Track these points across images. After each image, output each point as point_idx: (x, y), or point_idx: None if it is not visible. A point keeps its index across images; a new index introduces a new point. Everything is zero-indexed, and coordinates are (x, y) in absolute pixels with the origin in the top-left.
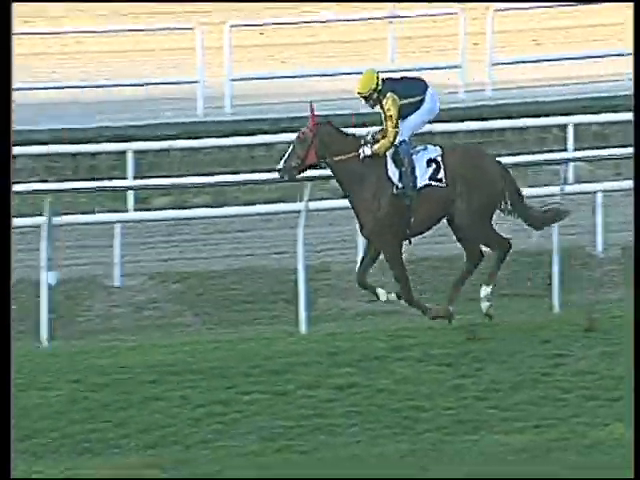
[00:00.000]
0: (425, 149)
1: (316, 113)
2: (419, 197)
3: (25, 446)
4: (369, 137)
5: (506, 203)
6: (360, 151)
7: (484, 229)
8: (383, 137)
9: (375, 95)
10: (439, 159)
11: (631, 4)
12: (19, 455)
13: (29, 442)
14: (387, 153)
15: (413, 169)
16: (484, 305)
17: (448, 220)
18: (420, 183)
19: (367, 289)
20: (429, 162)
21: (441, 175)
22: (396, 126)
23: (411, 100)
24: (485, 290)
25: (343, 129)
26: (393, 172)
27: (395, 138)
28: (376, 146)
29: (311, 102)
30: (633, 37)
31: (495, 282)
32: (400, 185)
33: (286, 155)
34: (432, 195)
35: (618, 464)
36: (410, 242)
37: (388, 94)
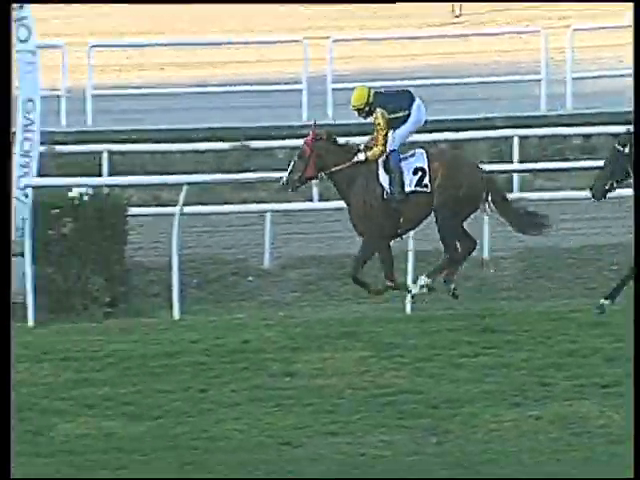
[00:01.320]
0: (413, 156)
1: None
2: (407, 201)
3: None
4: (362, 146)
5: (489, 206)
6: (355, 158)
7: (451, 226)
8: (374, 145)
9: (367, 108)
10: (425, 166)
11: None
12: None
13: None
14: (379, 161)
15: (402, 176)
16: (413, 285)
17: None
18: (408, 189)
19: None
20: (416, 170)
21: (426, 181)
22: (385, 136)
23: (398, 115)
24: (423, 280)
25: (339, 141)
26: (384, 179)
27: (384, 147)
28: (369, 153)
29: (315, 120)
30: (633, 37)
31: (435, 278)
32: (390, 191)
33: (288, 169)
34: (418, 199)
35: None
36: (402, 238)
37: (378, 109)
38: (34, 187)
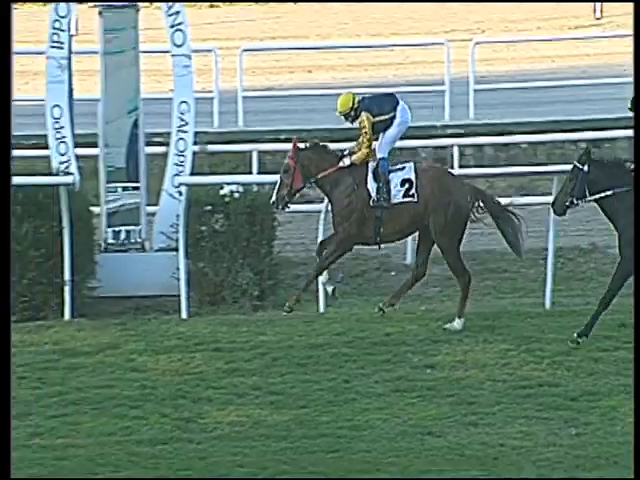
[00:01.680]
0: (402, 169)
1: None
2: (391, 212)
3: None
4: (347, 152)
5: (479, 213)
6: (341, 163)
7: (455, 249)
8: (359, 149)
9: (353, 113)
10: (413, 178)
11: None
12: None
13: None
14: (369, 167)
15: (389, 185)
16: (455, 325)
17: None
18: (394, 200)
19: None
20: (403, 182)
21: (413, 191)
22: (369, 140)
23: (383, 117)
24: (453, 324)
25: (322, 148)
26: (372, 186)
27: (370, 149)
28: (354, 157)
29: (295, 137)
30: (633, 37)
31: (461, 314)
32: (376, 198)
33: (276, 187)
34: (403, 211)
35: None
36: (379, 247)
37: (363, 113)
38: (188, 185)
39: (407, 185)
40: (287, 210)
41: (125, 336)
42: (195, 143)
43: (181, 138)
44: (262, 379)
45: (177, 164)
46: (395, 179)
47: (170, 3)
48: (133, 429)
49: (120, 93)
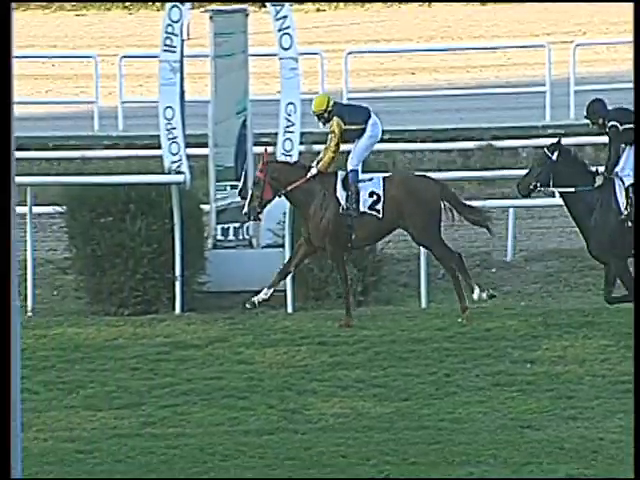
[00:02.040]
0: (370, 180)
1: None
2: (360, 220)
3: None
4: (314, 162)
5: (451, 212)
6: (309, 174)
7: (437, 242)
8: (325, 154)
9: (326, 115)
10: (380, 192)
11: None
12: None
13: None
14: (338, 177)
15: (358, 195)
16: (484, 295)
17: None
18: (361, 208)
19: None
20: (371, 193)
21: (379, 207)
22: (337, 145)
23: (353, 127)
24: (477, 293)
25: (290, 160)
26: (341, 194)
27: (335, 154)
28: (320, 164)
29: (266, 148)
30: (633, 37)
31: (474, 284)
32: (345, 206)
33: (248, 199)
34: (370, 221)
35: None
36: (350, 252)
37: (335, 118)
38: None
39: (375, 197)
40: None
41: (233, 330)
42: (301, 143)
43: (288, 138)
44: (365, 372)
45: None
46: (364, 189)
47: (278, 8)
48: (241, 420)
49: (229, 95)
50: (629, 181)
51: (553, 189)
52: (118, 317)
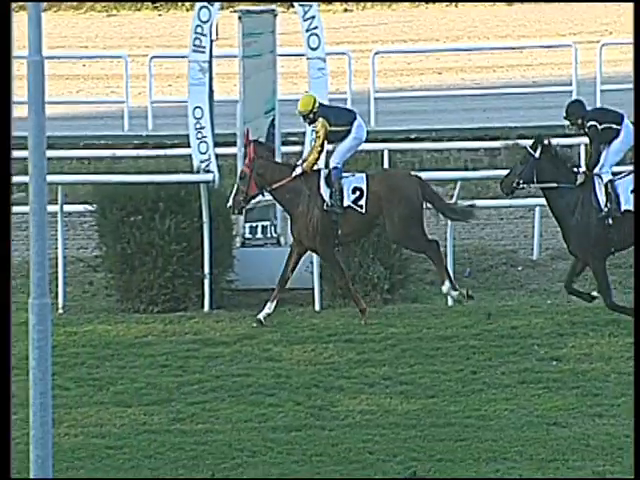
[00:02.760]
0: (353, 176)
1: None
2: (344, 215)
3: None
4: (300, 161)
5: (429, 208)
6: (294, 173)
7: (411, 238)
8: (310, 154)
9: (311, 116)
10: (363, 187)
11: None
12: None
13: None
14: (321, 175)
15: (341, 191)
16: (453, 294)
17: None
18: (345, 203)
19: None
20: (354, 189)
21: (362, 202)
22: (321, 145)
23: (338, 128)
24: (446, 286)
25: (277, 159)
26: (325, 191)
27: (319, 154)
28: (305, 163)
29: (252, 141)
30: (633, 37)
31: (447, 277)
32: (330, 203)
33: (233, 192)
34: (354, 216)
35: None
36: (339, 250)
37: (320, 119)
38: None
39: (358, 193)
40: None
41: (261, 327)
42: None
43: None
44: (392, 369)
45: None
46: (347, 185)
47: (306, 8)
48: (268, 416)
49: (258, 94)
50: (607, 177)
51: (537, 186)
52: (147, 314)
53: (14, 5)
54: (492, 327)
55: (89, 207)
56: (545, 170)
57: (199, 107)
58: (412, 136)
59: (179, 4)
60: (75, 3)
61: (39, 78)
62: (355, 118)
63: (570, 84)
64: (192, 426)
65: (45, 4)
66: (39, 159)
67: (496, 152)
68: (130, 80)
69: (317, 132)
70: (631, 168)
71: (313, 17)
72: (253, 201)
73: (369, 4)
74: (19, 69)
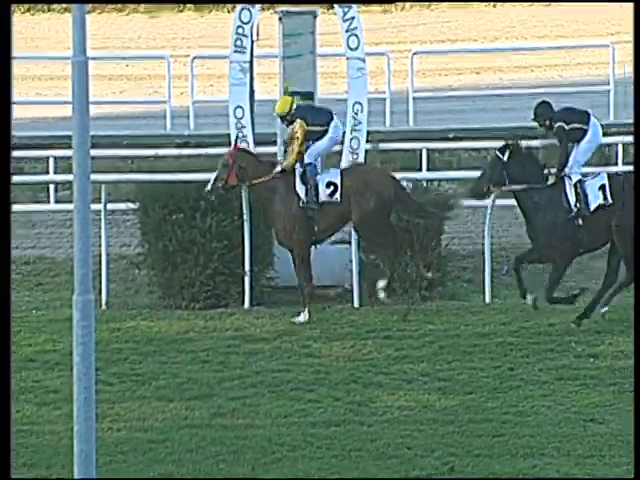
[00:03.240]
0: (327, 172)
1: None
2: (321, 211)
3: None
4: (281, 159)
5: (399, 205)
6: (274, 172)
7: (376, 233)
8: (290, 155)
9: (289, 117)
10: (337, 181)
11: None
12: None
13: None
14: (296, 172)
15: (316, 187)
16: (381, 295)
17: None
18: (321, 199)
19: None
20: (329, 184)
21: (337, 195)
22: (300, 145)
23: (316, 128)
24: (381, 283)
25: (259, 155)
26: (300, 188)
27: (299, 155)
28: (285, 163)
29: (237, 136)
30: (633, 37)
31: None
32: (305, 200)
33: (213, 178)
34: (330, 210)
35: None
36: (315, 247)
37: (298, 120)
38: None
39: (332, 187)
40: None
41: (301, 323)
42: (368, 141)
43: (355, 137)
44: (430, 366)
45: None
46: (321, 181)
47: (346, 9)
48: (308, 411)
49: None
50: (577, 177)
51: (507, 188)
52: (189, 311)
53: (59, 7)
54: (529, 324)
55: (132, 205)
56: (515, 172)
57: (240, 107)
58: (450, 135)
59: (220, 5)
60: (119, 5)
61: (83, 78)
62: (332, 118)
63: (607, 84)
64: (233, 421)
65: (89, 6)
66: (83, 158)
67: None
68: (172, 80)
69: (296, 133)
70: (599, 170)
71: (352, 18)
72: None
73: (408, 5)
74: (63, 70)
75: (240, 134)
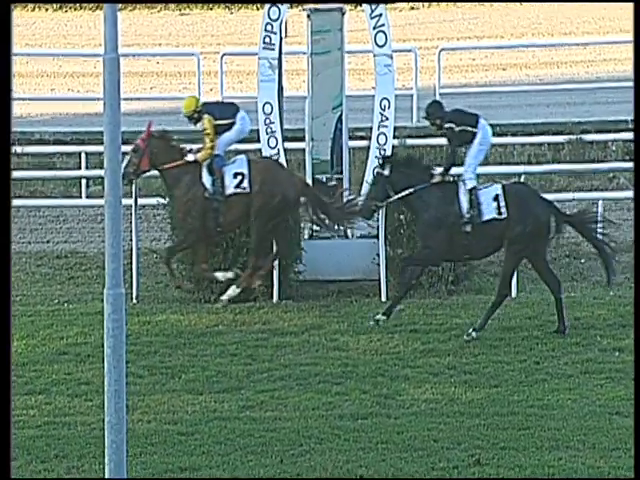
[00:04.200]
0: (234, 162)
1: (153, 128)
2: (227, 202)
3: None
4: (194, 149)
5: (305, 205)
6: (185, 159)
7: (263, 227)
8: (203, 149)
9: (196, 115)
10: (245, 171)
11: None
12: None
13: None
14: (203, 163)
15: (223, 179)
16: (229, 293)
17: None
18: (227, 192)
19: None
20: (236, 174)
21: (245, 184)
22: (212, 140)
23: (223, 122)
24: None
25: (173, 141)
26: (207, 179)
27: (212, 149)
28: (198, 155)
29: (150, 121)
30: (633, 37)
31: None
32: (211, 191)
33: (124, 162)
34: (238, 202)
35: None
36: (223, 234)
37: (205, 116)
38: None
39: (240, 177)
40: None
41: (328, 317)
42: (395, 137)
43: (382, 133)
44: (456, 359)
45: (378, 157)
46: (228, 172)
47: (373, 6)
48: (335, 404)
49: (326, 91)
50: (472, 184)
51: (395, 198)
52: (218, 304)
53: (92, 5)
54: (555, 318)
55: (162, 200)
56: (398, 182)
57: (269, 103)
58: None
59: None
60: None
61: (115, 75)
62: (238, 111)
63: (631, 80)
64: (261, 413)
65: (120, 4)
66: (114, 153)
67: (559, 147)
68: (202, 77)
69: (205, 129)
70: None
71: (380, 15)
72: None
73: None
74: (95, 66)
75: (269, 130)
